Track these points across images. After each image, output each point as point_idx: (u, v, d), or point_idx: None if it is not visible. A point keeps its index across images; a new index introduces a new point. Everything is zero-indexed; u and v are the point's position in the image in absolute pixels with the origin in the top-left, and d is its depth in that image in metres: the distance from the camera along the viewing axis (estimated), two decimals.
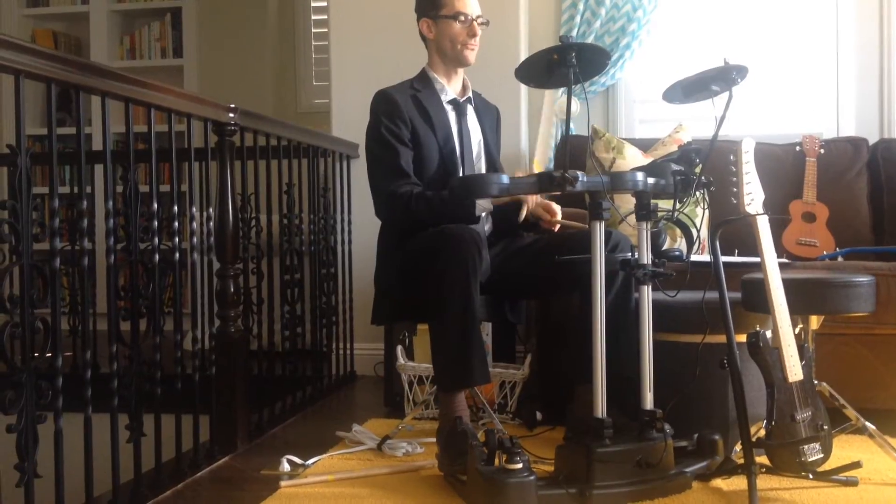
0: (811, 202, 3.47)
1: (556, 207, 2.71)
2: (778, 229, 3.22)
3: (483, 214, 2.72)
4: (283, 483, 2.38)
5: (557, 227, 2.71)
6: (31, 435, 1.86)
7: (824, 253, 3.34)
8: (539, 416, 2.92)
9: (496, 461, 2.14)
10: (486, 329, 3.07)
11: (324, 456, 2.63)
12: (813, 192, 3.49)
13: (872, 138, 3.74)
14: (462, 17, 2.73)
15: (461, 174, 2.74)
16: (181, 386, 2.53)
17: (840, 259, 3.25)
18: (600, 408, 2.18)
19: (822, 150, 3.54)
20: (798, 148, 3.58)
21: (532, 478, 2.08)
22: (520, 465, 2.07)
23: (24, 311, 1.86)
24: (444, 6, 2.75)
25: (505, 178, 2.21)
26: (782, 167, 3.55)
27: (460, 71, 2.85)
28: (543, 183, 2.19)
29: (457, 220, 2.52)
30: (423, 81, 2.83)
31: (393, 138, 2.68)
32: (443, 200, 2.58)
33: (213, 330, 2.80)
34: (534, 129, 4.07)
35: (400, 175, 2.66)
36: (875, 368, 2.85)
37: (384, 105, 2.74)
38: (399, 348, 3.12)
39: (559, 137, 3.93)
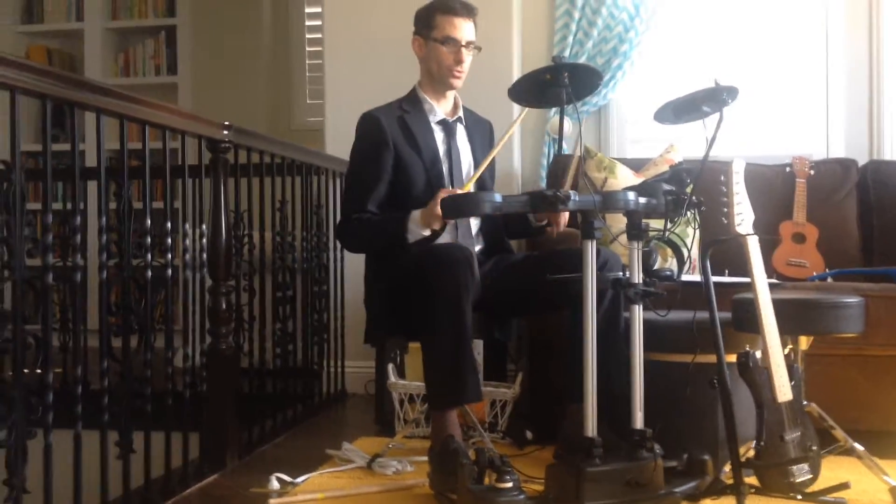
0: (801, 223, 3.49)
1: None
2: (768, 250, 3.23)
3: (474, 235, 2.74)
4: (272, 501, 2.37)
5: (560, 226, 2.71)
6: (21, 450, 1.85)
7: (814, 274, 3.36)
8: (529, 434, 2.92)
9: (486, 480, 2.14)
10: (478, 347, 3.07)
11: (313, 474, 2.62)
12: (803, 213, 3.51)
13: (862, 160, 3.77)
14: (450, 42, 2.75)
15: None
16: (171, 402, 2.52)
17: (830, 280, 3.27)
18: (591, 427, 2.18)
19: (812, 172, 3.57)
20: (788, 169, 3.61)
21: (522, 497, 2.08)
22: (510, 484, 2.07)
23: (15, 326, 1.86)
24: (436, 28, 2.76)
25: (498, 197, 2.22)
26: (772, 188, 3.58)
27: (450, 92, 2.86)
28: (536, 201, 2.21)
29: (388, 242, 2.62)
30: (411, 102, 2.85)
31: (369, 166, 2.72)
32: (378, 222, 2.66)
33: (205, 347, 2.80)
34: (526, 148, 4.09)
35: (361, 206, 2.72)
36: (864, 389, 2.86)
37: (367, 129, 2.77)
38: (390, 366, 3.12)
39: (551, 156, 3.95)
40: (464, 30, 2.76)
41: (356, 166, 2.78)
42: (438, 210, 2.46)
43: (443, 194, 2.47)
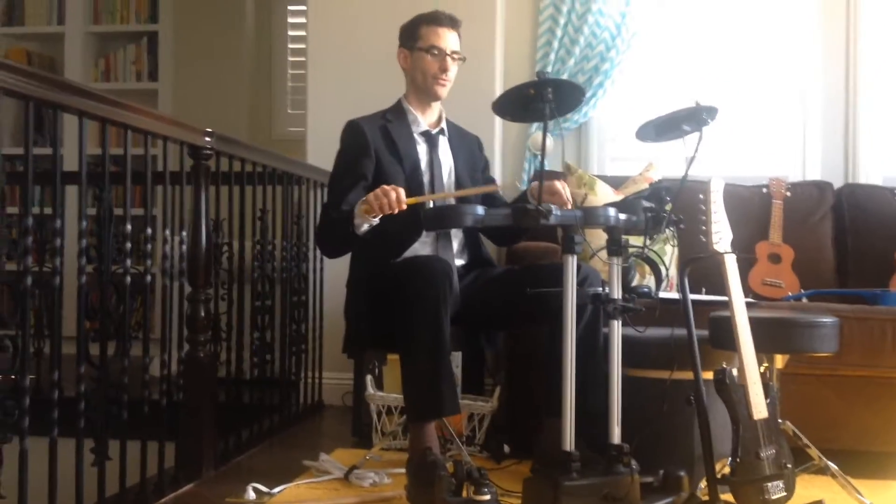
0: (777, 244, 3.54)
1: (560, 186, 2.64)
2: (744, 270, 3.27)
3: (456, 247, 2.75)
4: None
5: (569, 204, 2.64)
6: None
7: (789, 294, 3.40)
8: (507, 448, 2.93)
9: (464, 493, 2.14)
10: (456, 360, 3.08)
11: (290, 485, 2.61)
12: (779, 234, 3.55)
13: (837, 183, 3.83)
14: (435, 51, 2.77)
15: (431, 205, 2.76)
16: (148, 410, 2.50)
17: (805, 300, 3.31)
18: (568, 441, 2.19)
19: (789, 193, 3.61)
20: (765, 190, 3.65)
21: None
22: (487, 497, 2.08)
23: None
24: (420, 39, 2.79)
25: (480, 210, 2.24)
26: (749, 209, 3.62)
27: (435, 104, 2.89)
28: (518, 215, 2.22)
29: (344, 228, 2.58)
30: (396, 112, 2.86)
31: (350, 171, 2.73)
32: (338, 216, 2.64)
33: (182, 355, 2.78)
34: (508, 163, 4.11)
35: (337, 207, 2.69)
36: (838, 409, 2.90)
37: (350, 137, 2.79)
38: (368, 378, 3.11)
39: (532, 172, 3.98)
40: (448, 40, 2.79)
41: (338, 171, 2.80)
42: (372, 201, 2.45)
43: (381, 191, 2.46)
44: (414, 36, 2.81)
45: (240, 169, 3.19)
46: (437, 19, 2.79)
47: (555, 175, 3.03)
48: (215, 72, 5.42)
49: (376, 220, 2.53)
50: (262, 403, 3.36)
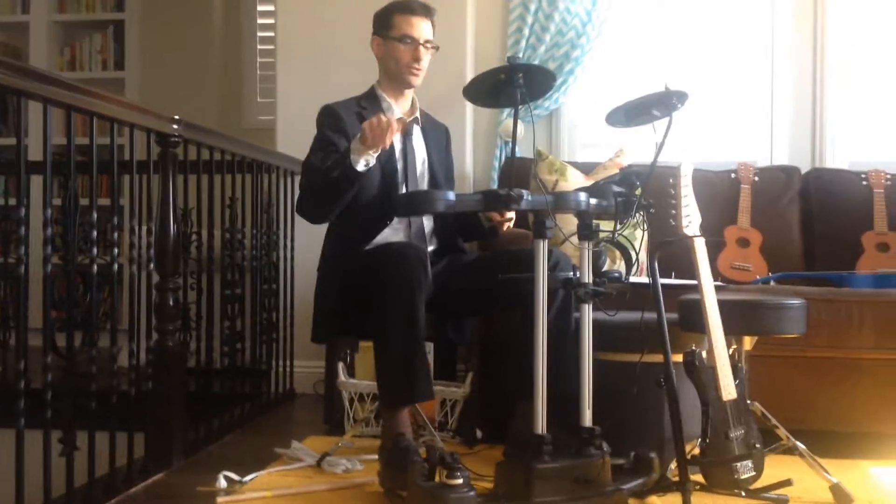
0: (745, 228, 3.57)
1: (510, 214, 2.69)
2: (713, 254, 3.29)
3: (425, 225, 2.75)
4: (219, 500, 2.35)
5: (507, 225, 2.70)
6: None
7: (757, 277, 3.44)
8: (479, 433, 2.94)
9: (437, 477, 2.14)
10: (428, 347, 3.08)
11: (262, 472, 2.59)
12: (747, 218, 3.59)
13: (804, 167, 3.86)
14: (408, 40, 2.76)
15: (403, 192, 2.75)
16: (116, 400, 2.48)
17: (773, 283, 3.34)
18: (540, 424, 2.20)
19: (757, 178, 3.65)
20: (733, 175, 3.68)
21: (472, 493, 2.08)
22: (460, 481, 2.08)
23: None
24: (393, 27, 2.77)
25: (451, 195, 2.23)
26: (718, 193, 3.65)
27: (408, 91, 2.87)
28: (490, 200, 2.23)
29: (340, 179, 2.52)
30: (369, 99, 2.85)
31: (326, 148, 2.68)
32: (326, 168, 2.59)
33: (151, 344, 2.76)
34: (479, 150, 4.11)
35: (322, 164, 2.63)
36: (805, 390, 2.94)
37: (328, 119, 2.76)
38: (340, 365, 3.10)
39: (503, 158, 3.98)
40: (421, 28, 2.77)
41: (315, 150, 2.73)
42: (367, 132, 2.43)
43: (368, 124, 2.44)
44: (387, 24, 2.79)
45: (208, 157, 3.16)
46: (410, 8, 2.78)
47: (525, 163, 3.02)
48: (183, 60, 5.36)
49: (373, 159, 2.51)
50: (233, 392, 3.34)
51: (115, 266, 2.54)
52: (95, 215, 2.43)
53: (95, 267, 2.41)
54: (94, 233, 2.43)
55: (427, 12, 2.80)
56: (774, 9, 4.05)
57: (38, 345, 2.22)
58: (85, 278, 2.46)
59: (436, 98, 3.35)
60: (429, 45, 2.79)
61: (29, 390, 2.10)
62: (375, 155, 2.52)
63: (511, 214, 2.70)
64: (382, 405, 2.52)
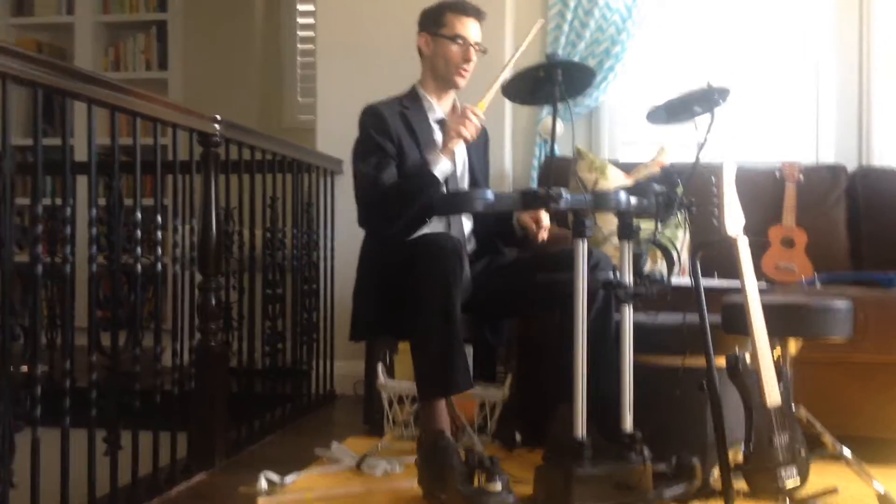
0: (790, 227, 3.51)
1: (545, 217, 2.71)
2: (757, 254, 3.23)
3: (466, 229, 2.74)
4: (260, 500, 2.37)
5: (541, 235, 2.71)
6: (8, 442, 1.83)
7: (803, 278, 3.37)
8: (518, 437, 2.92)
9: (476, 481, 2.13)
10: (468, 350, 3.06)
11: (302, 473, 2.61)
12: (792, 218, 3.52)
13: (851, 166, 3.79)
14: (460, 40, 2.74)
15: (444, 191, 2.74)
16: (159, 400, 2.51)
17: (818, 285, 3.28)
18: (580, 429, 2.18)
19: (802, 177, 3.58)
20: (778, 174, 3.62)
21: (511, 499, 2.08)
22: (499, 486, 2.07)
23: (4, 317, 1.84)
24: (445, 25, 2.75)
25: (490, 194, 2.21)
26: (762, 192, 3.58)
27: (451, 91, 2.86)
28: (528, 199, 2.21)
29: (421, 185, 2.55)
30: (412, 99, 2.84)
31: (377, 151, 2.68)
32: (401, 181, 2.60)
33: (194, 344, 2.78)
34: (518, 149, 4.09)
35: (377, 183, 2.63)
36: (852, 395, 2.87)
37: (372, 119, 2.74)
38: (380, 366, 3.11)
39: (542, 157, 3.96)
40: (473, 30, 2.76)
41: (365, 150, 2.70)
42: (452, 128, 2.53)
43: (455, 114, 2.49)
44: (439, 22, 2.77)
45: (249, 157, 3.19)
46: (463, 8, 2.77)
47: (564, 161, 3.01)
48: (225, 60, 5.40)
49: (451, 164, 2.60)
50: (274, 393, 3.37)
51: (159, 266, 2.56)
52: (139, 215, 2.46)
53: (139, 266, 2.44)
54: (139, 232, 2.46)
55: (478, 15, 2.79)
56: (818, 1, 3.97)
57: (83, 344, 2.25)
58: (129, 278, 2.49)
59: (475, 96, 3.33)
60: (478, 48, 2.78)
61: (74, 389, 2.14)
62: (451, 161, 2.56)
63: (546, 223, 2.68)
64: (421, 397, 2.50)
